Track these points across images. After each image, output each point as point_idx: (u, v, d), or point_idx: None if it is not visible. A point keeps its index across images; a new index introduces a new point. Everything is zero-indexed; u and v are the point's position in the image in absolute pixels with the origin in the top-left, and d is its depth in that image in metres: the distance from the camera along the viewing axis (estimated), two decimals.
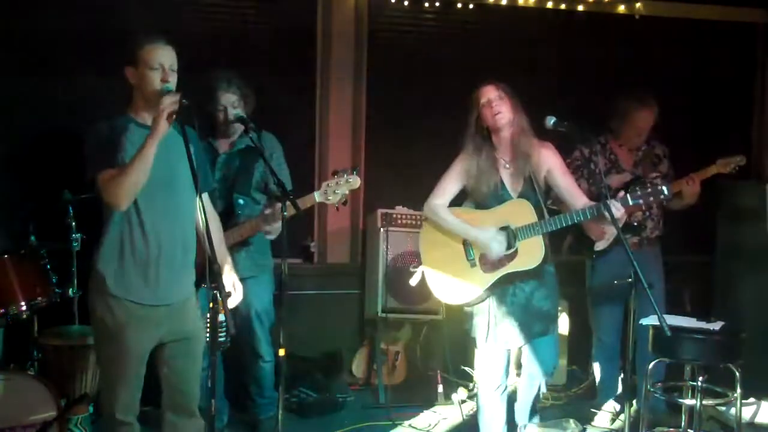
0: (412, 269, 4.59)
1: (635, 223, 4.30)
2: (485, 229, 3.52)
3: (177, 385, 3.03)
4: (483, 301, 3.55)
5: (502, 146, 3.57)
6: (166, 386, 3.03)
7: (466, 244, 3.58)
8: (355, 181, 3.59)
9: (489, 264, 3.53)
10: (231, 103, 3.81)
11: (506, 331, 3.53)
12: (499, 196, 3.54)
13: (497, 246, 3.49)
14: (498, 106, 3.48)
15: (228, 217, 3.77)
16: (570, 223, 3.49)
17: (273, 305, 4.03)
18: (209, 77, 3.83)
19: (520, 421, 3.78)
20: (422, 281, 3.76)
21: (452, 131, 5.08)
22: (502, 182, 3.55)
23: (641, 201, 3.41)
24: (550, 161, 3.56)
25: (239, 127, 3.83)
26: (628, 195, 3.39)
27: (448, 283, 3.60)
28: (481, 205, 3.58)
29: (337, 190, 3.58)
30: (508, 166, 3.56)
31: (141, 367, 2.95)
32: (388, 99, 5.19)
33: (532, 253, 3.49)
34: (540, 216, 3.51)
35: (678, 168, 4.45)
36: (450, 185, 3.64)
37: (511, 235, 3.50)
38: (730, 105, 5.68)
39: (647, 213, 4.36)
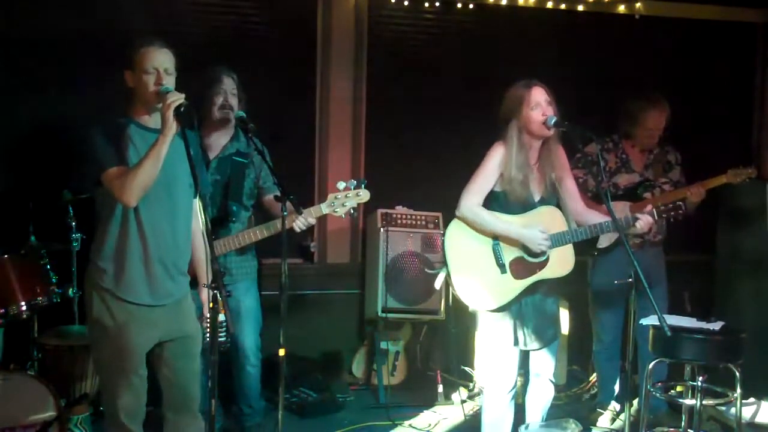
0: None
1: None
2: (529, 228, 3.43)
3: (177, 385, 3.04)
4: (510, 307, 3.52)
5: (532, 149, 3.48)
6: (166, 386, 3.04)
7: (496, 248, 3.49)
8: (365, 195, 3.58)
9: (521, 270, 3.48)
10: (230, 89, 3.78)
11: (526, 334, 3.50)
12: (526, 201, 3.47)
13: (543, 242, 3.41)
14: (549, 113, 3.37)
15: (221, 223, 3.76)
16: (602, 232, 3.50)
17: (260, 308, 4.02)
18: (212, 67, 3.83)
19: (533, 420, 3.74)
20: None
21: (452, 131, 5.14)
22: (529, 185, 3.48)
23: (664, 216, 3.54)
24: (564, 163, 3.54)
25: (230, 130, 3.83)
26: (654, 210, 3.50)
27: (477, 289, 3.50)
28: (508, 209, 3.48)
29: (346, 203, 3.56)
30: (533, 169, 3.49)
31: (141, 368, 2.95)
32: (387, 99, 5.19)
33: (563, 261, 3.47)
34: (566, 219, 3.50)
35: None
36: (487, 182, 3.46)
37: None
38: (730, 105, 5.69)
39: None
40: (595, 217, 3.54)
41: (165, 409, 3.06)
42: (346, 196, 3.55)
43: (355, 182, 3.58)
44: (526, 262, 3.48)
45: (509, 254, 3.49)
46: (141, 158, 2.79)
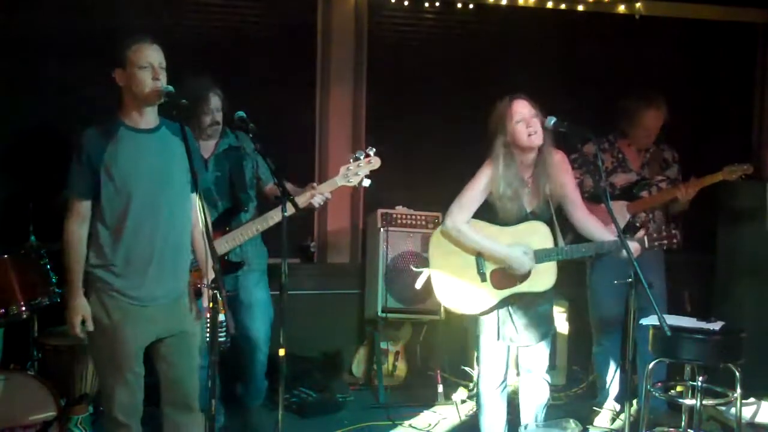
0: (414, 268, 4.59)
1: (637, 225, 4.30)
2: (513, 247, 3.46)
3: (175, 381, 3.06)
4: (488, 314, 3.53)
5: (524, 163, 3.48)
6: (164, 382, 3.07)
7: (478, 258, 3.52)
8: (376, 162, 3.68)
9: (501, 280, 3.50)
10: (216, 107, 3.88)
11: (513, 329, 3.52)
12: (518, 213, 3.49)
13: (528, 262, 3.44)
14: (534, 125, 3.37)
15: (233, 214, 3.88)
16: (588, 254, 3.51)
17: (270, 300, 4.10)
18: (196, 83, 3.86)
19: (528, 421, 3.75)
20: (427, 284, 3.74)
21: (452, 131, 5.13)
22: (521, 199, 3.49)
23: (656, 244, 3.53)
24: (563, 174, 3.52)
25: (218, 130, 3.93)
26: (645, 238, 3.52)
27: (457, 293, 3.55)
28: (500, 221, 3.51)
29: (359, 171, 3.66)
30: (527, 183, 3.50)
31: (137, 366, 2.98)
32: (388, 99, 5.19)
33: (545, 276, 3.48)
34: (554, 235, 3.50)
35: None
36: (474, 201, 3.50)
37: None
38: (730, 105, 5.68)
39: (650, 216, 4.36)
40: (595, 226, 3.55)
41: (163, 406, 3.08)
42: (358, 166, 3.65)
43: (363, 152, 3.67)
44: (507, 273, 3.50)
45: (491, 264, 3.52)
46: (70, 260, 2.94)
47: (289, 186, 3.84)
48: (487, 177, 3.47)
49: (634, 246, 3.46)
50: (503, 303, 3.51)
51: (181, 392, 3.08)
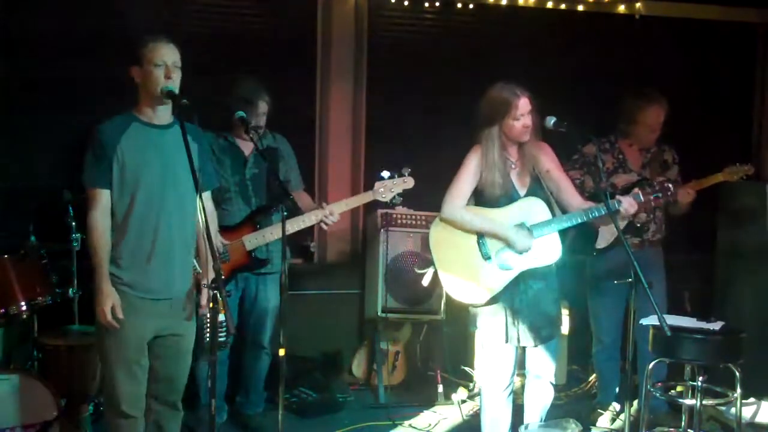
0: (418, 270, 4.60)
1: (638, 225, 4.29)
2: (512, 227, 3.48)
3: (164, 378, 3.11)
4: (500, 300, 3.54)
5: (511, 146, 3.55)
6: (154, 377, 3.10)
7: (481, 242, 3.53)
8: (410, 182, 3.91)
9: (507, 259, 3.52)
10: (262, 111, 3.97)
11: (519, 331, 3.53)
12: (509, 195, 3.53)
13: (527, 240, 3.46)
14: (529, 122, 3.45)
15: (266, 213, 3.97)
16: (584, 220, 3.49)
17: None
18: (247, 88, 3.95)
19: (532, 421, 3.76)
20: (431, 283, 3.76)
21: (452, 131, 5.12)
22: (511, 181, 3.55)
23: (651, 197, 3.50)
24: (548, 162, 3.58)
25: (260, 132, 4.04)
26: (639, 192, 3.48)
27: (463, 282, 3.55)
28: (492, 204, 3.55)
29: (393, 188, 3.87)
30: (514, 165, 3.56)
31: (143, 358, 3.03)
32: (388, 99, 5.19)
33: (548, 249, 3.49)
34: (551, 209, 3.52)
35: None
36: (467, 184, 3.56)
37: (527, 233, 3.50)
38: (730, 105, 5.68)
39: (651, 216, 4.36)
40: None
41: (148, 397, 3.12)
42: (393, 183, 3.86)
43: (396, 173, 3.89)
44: (511, 252, 3.51)
45: (494, 246, 3.52)
46: (96, 249, 2.92)
47: (306, 201, 4.11)
48: (477, 161, 3.53)
49: (628, 200, 3.47)
50: (512, 283, 3.51)
51: (168, 389, 3.13)
